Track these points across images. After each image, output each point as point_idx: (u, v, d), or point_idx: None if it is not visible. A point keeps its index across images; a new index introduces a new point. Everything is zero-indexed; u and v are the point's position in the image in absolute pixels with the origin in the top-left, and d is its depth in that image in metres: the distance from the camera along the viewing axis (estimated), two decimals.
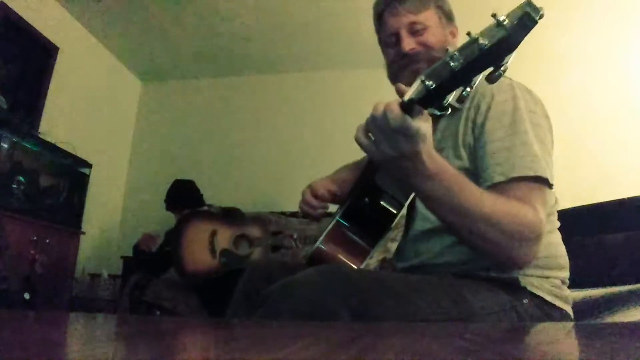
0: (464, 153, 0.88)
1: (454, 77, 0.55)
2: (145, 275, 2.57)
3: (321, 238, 0.98)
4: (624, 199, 1.77)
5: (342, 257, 0.97)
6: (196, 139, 3.97)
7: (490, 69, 0.56)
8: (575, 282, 0.94)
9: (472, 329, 0.60)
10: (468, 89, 0.57)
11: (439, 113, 0.63)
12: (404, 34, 0.95)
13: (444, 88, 0.58)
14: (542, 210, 0.76)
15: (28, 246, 2.45)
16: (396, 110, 0.63)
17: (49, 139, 2.81)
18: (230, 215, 2.72)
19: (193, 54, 3.81)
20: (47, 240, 2.58)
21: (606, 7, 3.06)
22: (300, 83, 3.91)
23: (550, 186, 0.81)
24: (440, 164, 0.71)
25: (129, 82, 4.13)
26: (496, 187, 0.78)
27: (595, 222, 1.79)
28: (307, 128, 3.67)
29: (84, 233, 3.01)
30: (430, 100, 0.61)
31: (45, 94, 3.02)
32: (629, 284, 1.39)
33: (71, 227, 2.90)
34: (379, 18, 1.00)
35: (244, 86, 4.00)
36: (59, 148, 2.86)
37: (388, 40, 0.99)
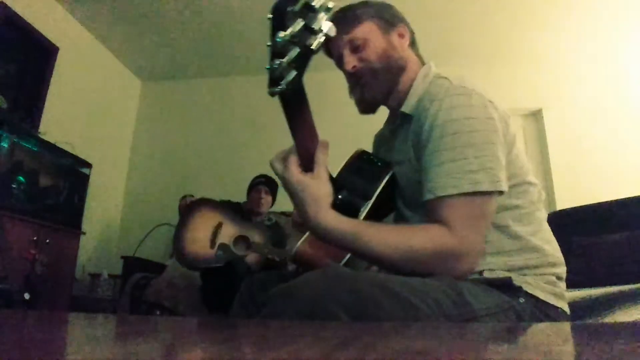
0: (417, 164, 0.88)
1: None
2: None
3: (297, 245, 0.99)
4: (624, 199, 1.77)
5: (321, 259, 0.97)
6: (196, 139, 3.97)
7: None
8: (575, 282, 0.94)
9: (472, 329, 0.60)
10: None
11: (277, 89, 0.63)
12: (345, 53, 0.97)
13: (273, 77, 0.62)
14: (466, 226, 0.77)
15: (28, 246, 2.45)
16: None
17: (49, 139, 2.81)
18: (239, 213, 2.72)
19: (193, 54, 3.82)
20: (47, 240, 2.58)
21: (606, 8, 3.06)
22: None
23: (489, 194, 0.79)
24: (331, 221, 0.78)
25: (129, 82, 4.13)
26: (427, 204, 0.81)
27: (595, 222, 1.79)
28: None
29: (84, 233, 3.02)
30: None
31: (45, 94, 3.02)
32: (629, 284, 1.39)
33: (71, 227, 2.91)
34: (326, 48, 1.01)
35: (244, 86, 4.00)
36: (59, 148, 2.87)
37: (338, 64, 1.01)
